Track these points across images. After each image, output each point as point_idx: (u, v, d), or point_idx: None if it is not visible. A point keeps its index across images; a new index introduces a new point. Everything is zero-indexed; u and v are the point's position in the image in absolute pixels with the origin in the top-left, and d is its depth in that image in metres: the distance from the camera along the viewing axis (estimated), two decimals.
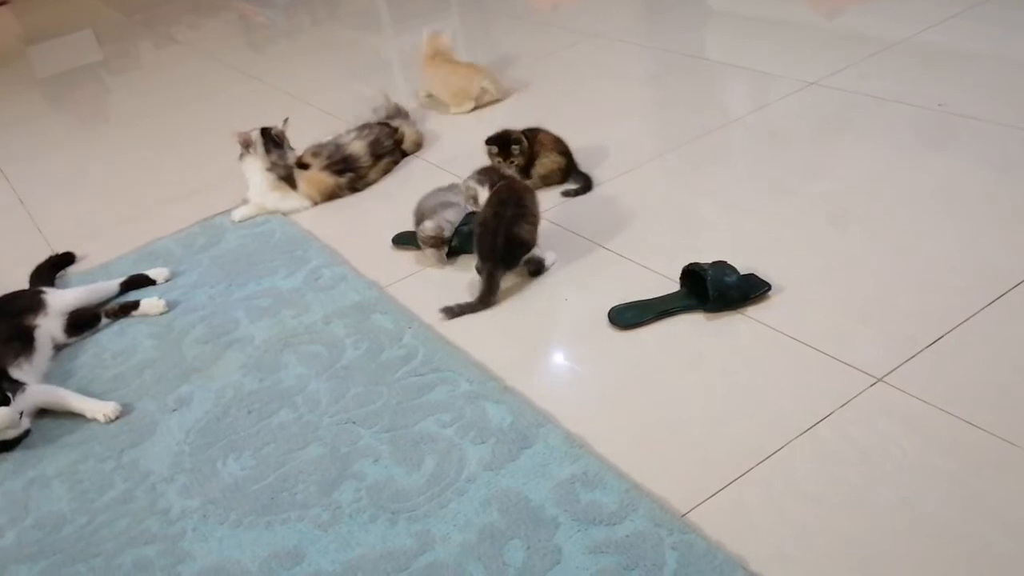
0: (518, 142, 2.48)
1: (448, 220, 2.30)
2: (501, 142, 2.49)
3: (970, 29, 3.07)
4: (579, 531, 1.46)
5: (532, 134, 2.55)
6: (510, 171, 2.36)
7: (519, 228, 2.10)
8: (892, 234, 2.08)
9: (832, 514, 1.42)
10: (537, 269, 2.17)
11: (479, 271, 2.14)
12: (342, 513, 1.60)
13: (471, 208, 2.26)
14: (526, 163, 2.51)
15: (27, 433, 1.99)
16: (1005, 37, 2.98)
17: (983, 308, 1.78)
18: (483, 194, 2.19)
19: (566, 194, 2.51)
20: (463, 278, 2.22)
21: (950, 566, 1.31)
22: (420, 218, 2.35)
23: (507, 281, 2.14)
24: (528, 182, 2.41)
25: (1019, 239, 1.97)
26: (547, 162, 2.54)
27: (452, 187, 2.43)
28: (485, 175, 2.23)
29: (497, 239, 2.08)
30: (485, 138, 2.51)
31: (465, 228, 2.28)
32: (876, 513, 1.40)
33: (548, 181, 2.54)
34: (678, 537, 1.41)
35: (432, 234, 2.28)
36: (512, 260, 2.12)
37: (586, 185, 2.53)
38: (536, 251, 2.15)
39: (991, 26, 3.07)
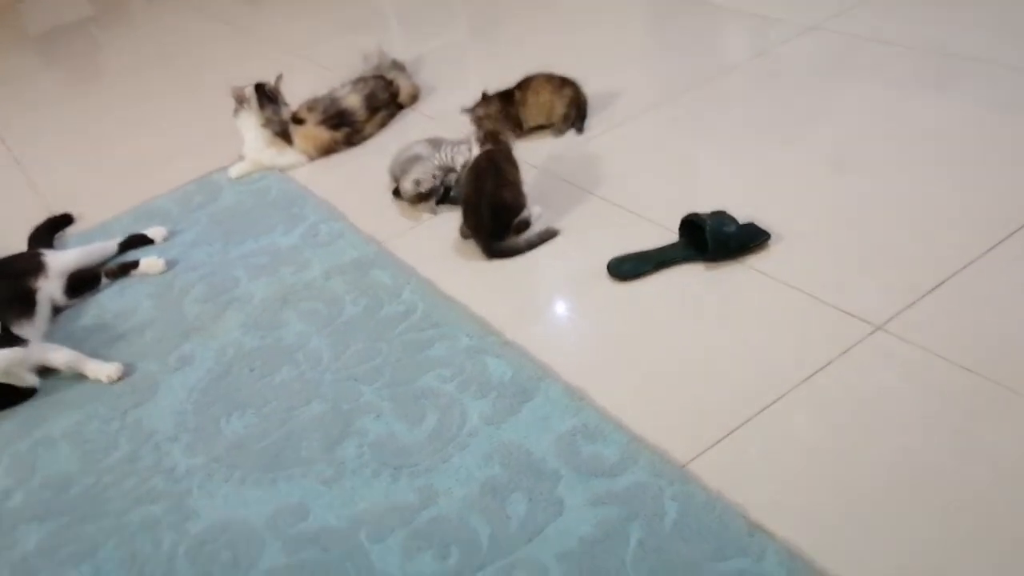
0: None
1: (420, 176, 2.30)
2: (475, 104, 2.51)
3: None
4: (580, 483, 1.47)
5: (525, 83, 2.53)
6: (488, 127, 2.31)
7: (501, 195, 2.09)
8: (892, 180, 2.06)
9: (831, 463, 1.43)
10: (524, 228, 2.15)
11: (464, 236, 2.15)
12: (345, 469, 1.62)
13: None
14: (515, 115, 2.50)
15: (33, 392, 2.00)
16: None
17: (983, 254, 1.77)
18: (475, 151, 2.18)
19: (577, 130, 2.54)
20: (459, 232, 2.20)
21: (949, 513, 1.32)
22: (393, 177, 2.39)
23: None
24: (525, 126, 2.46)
25: (1020, 184, 1.95)
26: (535, 99, 2.52)
27: (420, 142, 2.43)
28: (483, 136, 2.20)
29: (482, 213, 2.08)
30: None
31: (453, 193, 2.30)
32: (875, 461, 1.41)
33: (551, 117, 2.54)
34: (678, 488, 1.42)
35: (412, 192, 2.30)
36: (502, 229, 2.10)
37: (581, 114, 2.56)
38: (524, 210, 2.14)
39: None
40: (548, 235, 2.11)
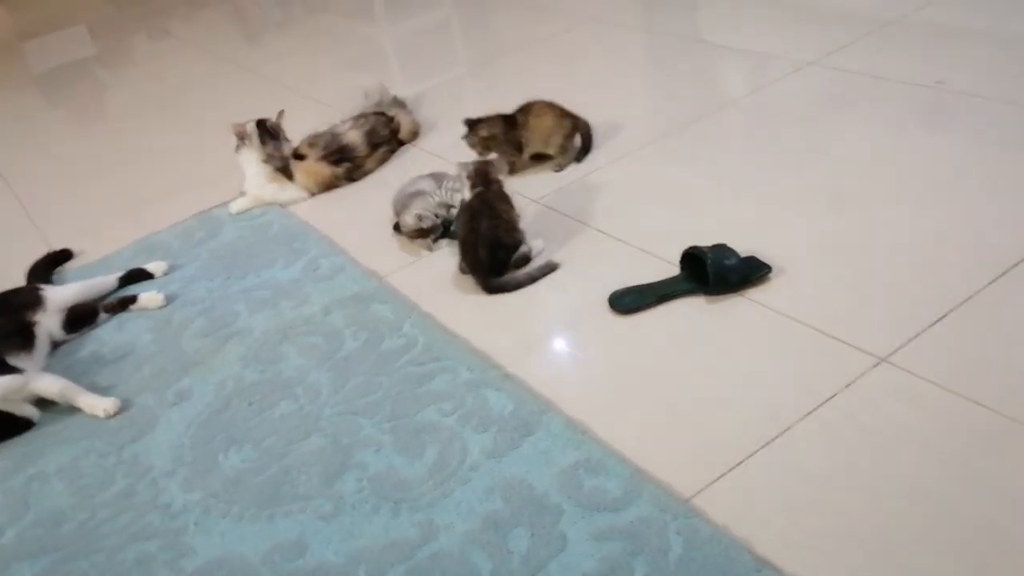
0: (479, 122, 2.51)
1: (422, 211, 2.29)
2: (470, 124, 2.52)
3: (967, 6, 3.04)
4: (583, 517, 1.45)
5: (527, 106, 2.54)
6: (488, 158, 2.31)
7: (496, 234, 2.09)
8: (892, 214, 2.06)
9: (837, 496, 1.41)
10: (524, 263, 2.14)
11: (463, 272, 2.15)
12: (344, 504, 1.60)
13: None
14: (516, 138, 2.52)
15: (31, 424, 1.99)
16: (1001, 14, 2.96)
17: (985, 287, 1.76)
18: (466, 193, 2.18)
19: (577, 159, 2.56)
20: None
21: (956, 545, 1.30)
22: (396, 212, 2.38)
23: None
24: (527, 152, 2.50)
25: (1021, 216, 1.95)
26: (537, 124, 2.52)
27: (424, 176, 2.44)
28: (475, 175, 2.19)
29: (479, 252, 2.08)
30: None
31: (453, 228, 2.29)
32: (881, 494, 1.40)
33: (548, 146, 2.54)
34: (683, 522, 1.40)
35: (413, 227, 2.29)
36: (500, 265, 2.10)
37: (585, 145, 2.58)
38: (523, 246, 2.14)
39: (988, 3, 3.04)
40: (548, 269, 2.11)
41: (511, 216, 2.14)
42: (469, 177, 2.16)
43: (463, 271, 2.16)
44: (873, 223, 2.04)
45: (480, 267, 2.10)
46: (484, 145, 2.51)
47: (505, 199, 2.15)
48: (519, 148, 2.53)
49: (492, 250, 2.08)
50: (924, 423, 1.50)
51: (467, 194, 2.16)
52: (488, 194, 2.14)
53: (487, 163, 2.20)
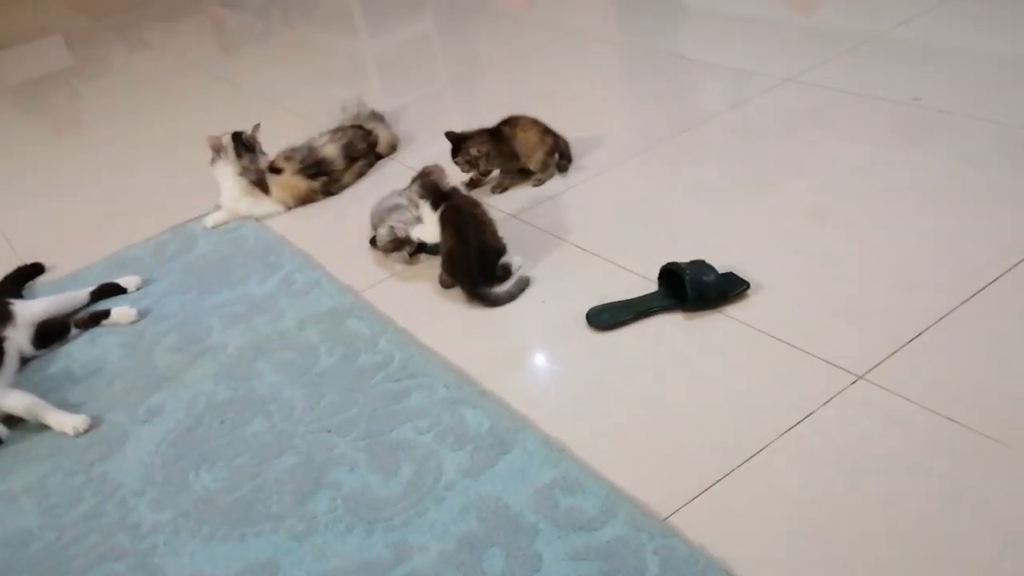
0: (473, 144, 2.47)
1: (399, 222, 2.27)
2: (456, 142, 2.49)
3: (942, 24, 3.07)
4: (559, 537, 1.43)
5: (511, 120, 2.53)
6: (430, 167, 2.29)
7: (487, 238, 2.10)
8: (870, 231, 2.07)
9: (815, 515, 1.40)
10: (506, 274, 2.14)
11: (444, 285, 2.14)
12: (318, 523, 1.57)
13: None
14: (510, 151, 2.51)
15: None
16: (977, 32, 2.99)
17: (962, 304, 1.76)
18: (424, 209, 2.18)
19: (560, 169, 2.57)
20: (436, 280, 2.18)
21: (933, 564, 1.29)
22: (373, 226, 2.36)
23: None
24: (514, 166, 2.50)
25: (996, 233, 1.96)
26: (524, 138, 2.51)
27: (401, 191, 2.42)
28: (425, 191, 2.20)
29: (471, 259, 2.07)
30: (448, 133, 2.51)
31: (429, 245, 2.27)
32: (858, 512, 1.39)
33: (530, 161, 2.53)
34: (660, 542, 1.38)
35: (388, 239, 2.27)
36: (491, 272, 2.10)
37: (567, 157, 2.59)
38: (506, 255, 2.14)
39: (963, 21, 3.07)
40: (524, 284, 2.10)
41: (492, 221, 2.14)
42: (422, 196, 2.17)
43: (446, 284, 2.14)
44: (851, 240, 2.05)
45: (471, 274, 2.08)
46: (475, 164, 2.49)
47: (477, 204, 2.16)
48: (515, 158, 2.51)
49: (483, 256, 2.09)
50: (901, 441, 1.49)
51: (425, 213, 2.16)
52: (460, 202, 2.15)
53: (430, 173, 2.21)
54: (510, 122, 2.53)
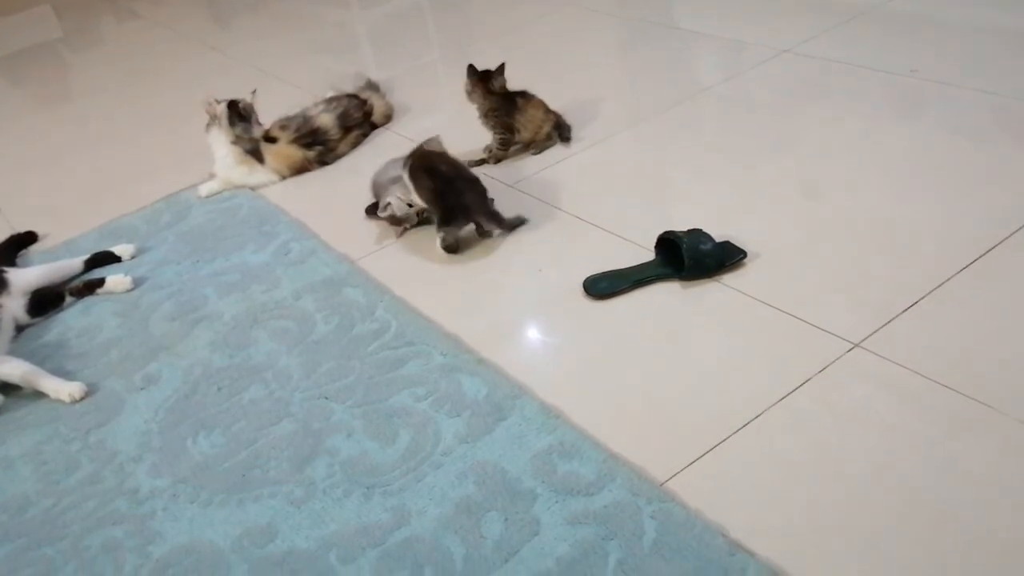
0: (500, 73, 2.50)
1: (397, 198, 2.26)
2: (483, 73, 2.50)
3: None
4: (557, 502, 1.44)
5: (526, 94, 2.54)
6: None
7: (464, 172, 2.19)
8: (866, 200, 2.07)
9: (810, 480, 1.41)
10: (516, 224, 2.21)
11: (448, 247, 2.15)
12: (315, 489, 1.57)
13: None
14: (511, 121, 2.51)
15: None
16: (975, 3, 2.98)
17: (957, 273, 1.77)
18: (405, 176, 2.21)
19: (563, 139, 2.58)
20: (434, 248, 2.18)
21: (927, 528, 1.30)
22: (376, 193, 2.35)
23: (480, 251, 2.13)
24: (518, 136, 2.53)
25: (992, 204, 1.96)
26: (533, 114, 2.52)
27: (400, 159, 2.41)
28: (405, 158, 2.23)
29: (461, 190, 2.13)
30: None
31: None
32: (854, 478, 1.40)
33: (536, 135, 2.55)
34: (657, 506, 1.39)
35: (387, 215, 2.26)
36: (486, 198, 2.17)
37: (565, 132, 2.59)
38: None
39: None
40: (519, 222, 2.20)
41: (464, 164, 2.25)
42: (403, 165, 2.22)
43: (449, 244, 2.15)
44: (847, 210, 2.05)
45: (474, 192, 2.14)
46: (482, 103, 2.50)
47: (443, 152, 2.24)
48: (509, 129, 2.51)
49: (472, 184, 2.15)
50: (897, 408, 1.50)
51: (405, 178, 2.19)
52: (424, 152, 2.21)
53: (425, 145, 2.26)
54: (526, 95, 2.53)
